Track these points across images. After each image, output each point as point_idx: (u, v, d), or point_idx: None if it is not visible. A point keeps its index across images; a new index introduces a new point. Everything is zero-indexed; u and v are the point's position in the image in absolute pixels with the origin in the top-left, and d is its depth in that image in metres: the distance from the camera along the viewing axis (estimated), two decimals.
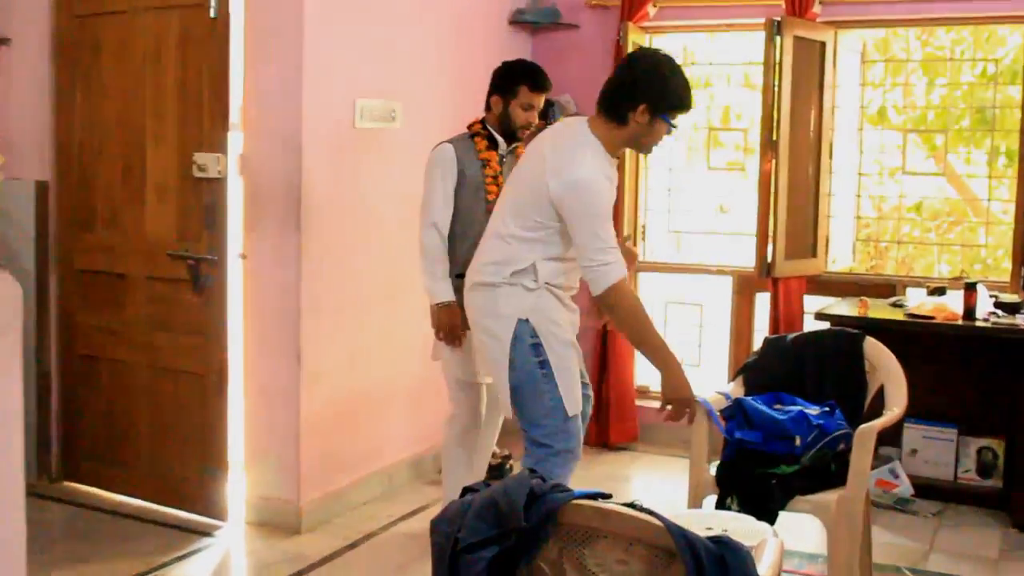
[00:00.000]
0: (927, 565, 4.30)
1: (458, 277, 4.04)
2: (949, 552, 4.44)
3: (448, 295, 4.07)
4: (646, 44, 5.90)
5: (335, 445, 4.68)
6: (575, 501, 2.06)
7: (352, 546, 4.39)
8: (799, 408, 3.67)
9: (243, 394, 4.60)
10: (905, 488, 5.00)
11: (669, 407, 3.50)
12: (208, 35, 4.28)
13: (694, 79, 6.82)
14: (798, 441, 3.57)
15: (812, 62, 5.55)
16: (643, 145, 3.58)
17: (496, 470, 5.05)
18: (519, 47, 5.85)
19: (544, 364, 3.54)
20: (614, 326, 3.66)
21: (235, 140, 4.41)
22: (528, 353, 3.54)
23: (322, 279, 4.51)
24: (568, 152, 3.48)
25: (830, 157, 5.70)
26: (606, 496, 2.10)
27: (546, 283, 3.56)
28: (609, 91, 3.50)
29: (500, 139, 4.18)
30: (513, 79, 4.14)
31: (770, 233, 5.45)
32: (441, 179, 4.10)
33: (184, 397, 4.52)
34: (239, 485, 4.65)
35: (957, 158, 7.40)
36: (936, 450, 5.11)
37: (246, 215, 4.49)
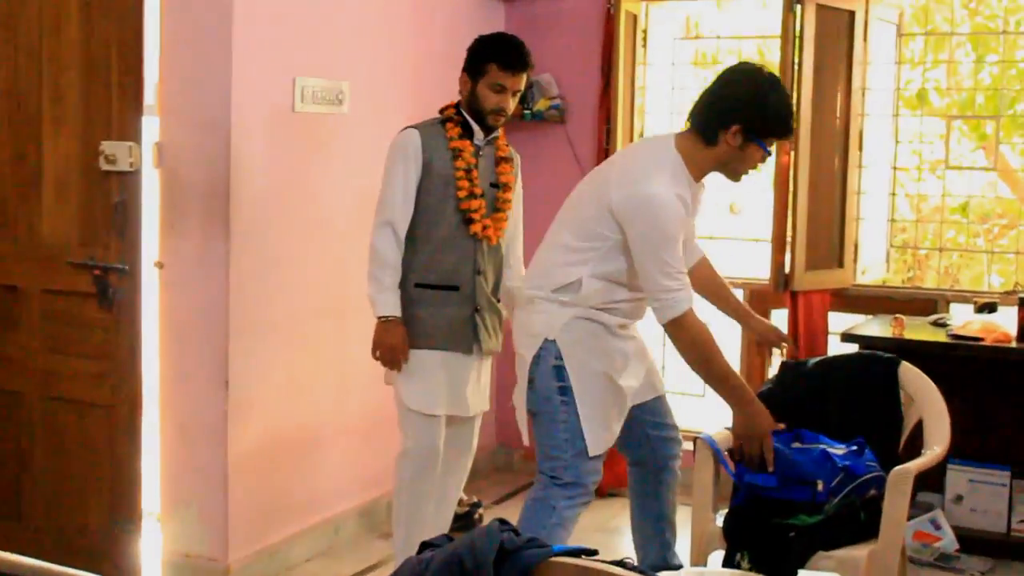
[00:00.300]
0: None
1: (417, 287, 4.14)
2: None
3: (391, 308, 4.11)
4: (642, 14, 5.95)
5: (270, 491, 4.68)
6: (555, 558, 2.07)
7: None
8: (822, 447, 3.70)
9: (159, 430, 4.59)
10: (948, 542, 5.03)
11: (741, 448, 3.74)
12: (117, 1, 4.28)
13: (699, 53, 6.91)
14: (820, 486, 3.60)
15: (839, 35, 5.60)
16: (732, 170, 3.77)
17: (463, 520, 5.06)
18: (490, 18, 5.88)
19: (565, 391, 3.75)
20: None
21: (150, 126, 4.41)
22: (550, 376, 3.77)
23: (255, 292, 4.52)
24: (643, 164, 3.72)
25: (860, 149, 5.74)
26: (591, 552, 2.11)
27: (591, 304, 3.76)
28: (700, 106, 3.71)
29: (476, 126, 4.21)
30: (481, 56, 4.17)
31: (788, 239, 5.49)
32: (402, 171, 4.13)
33: (89, 434, 4.49)
34: (155, 540, 4.63)
35: (1011, 150, 7.49)
36: (986, 497, 5.14)
37: (163, 216, 4.49)
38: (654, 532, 4.19)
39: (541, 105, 5.92)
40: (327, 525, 5.02)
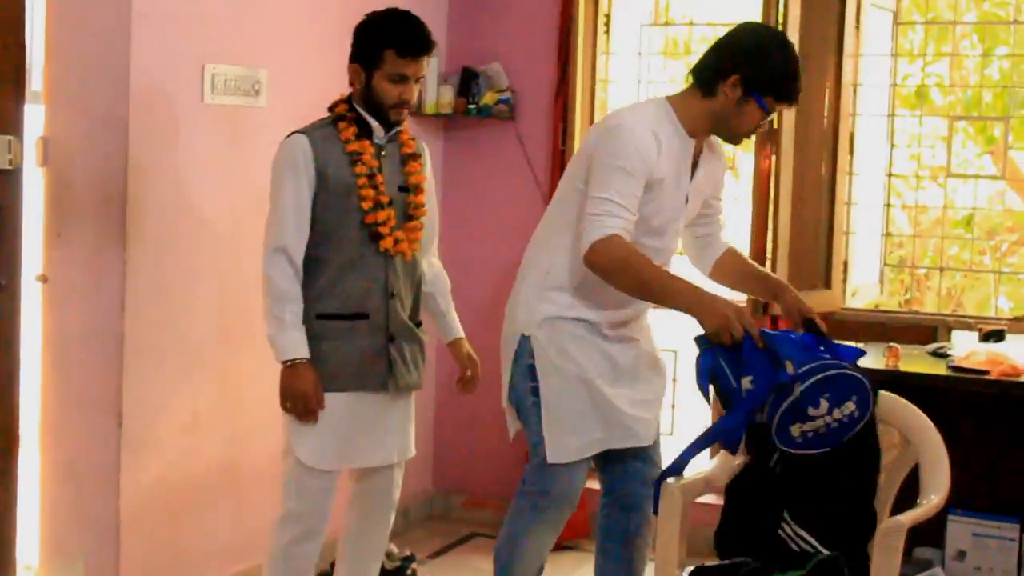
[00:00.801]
0: None
1: (319, 318, 4.03)
2: None
3: (297, 349, 3.98)
4: None
5: (171, 543, 4.66)
6: None
7: None
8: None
9: (39, 472, 4.56)
10: None
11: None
12: None
13: (669, 41, 6.97)
14: (790, 367, 3.65)
15: (827, 23, 5.67)
16: (730, 129, 3.94)
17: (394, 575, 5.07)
18: (428, 2, 5.89)
19: (536, 392, 3.97)
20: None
21: (35, 117, 4.39)
22: (524, 375, 3.99)
23: (155, 311, 4.51)
24: (624, 108, 4.10)
25: (850, 153, 5.81)
26: None
27: (566, 285, 3.93)
28: (703, 57, 3.94)
29: (374, 123, 4.09)
30: (374, 42, 4.04)
31: (768, 255, 5.53)
32: (292, 185, 3.99)
33: None
34: None
35: (1023, 155, 7.59)
36: (992, 552, 5.20)
37: (48, 222, 4.47)
38: (618, 565, 4.25)
39: (488, 99, 5.93)
40: None
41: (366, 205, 4.03)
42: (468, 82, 5.95)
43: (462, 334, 4.44)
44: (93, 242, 4.41)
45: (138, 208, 4.40)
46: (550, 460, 3.93)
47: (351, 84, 4.12)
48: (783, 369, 3.64)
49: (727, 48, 3.89)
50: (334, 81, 5.22)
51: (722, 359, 3.68)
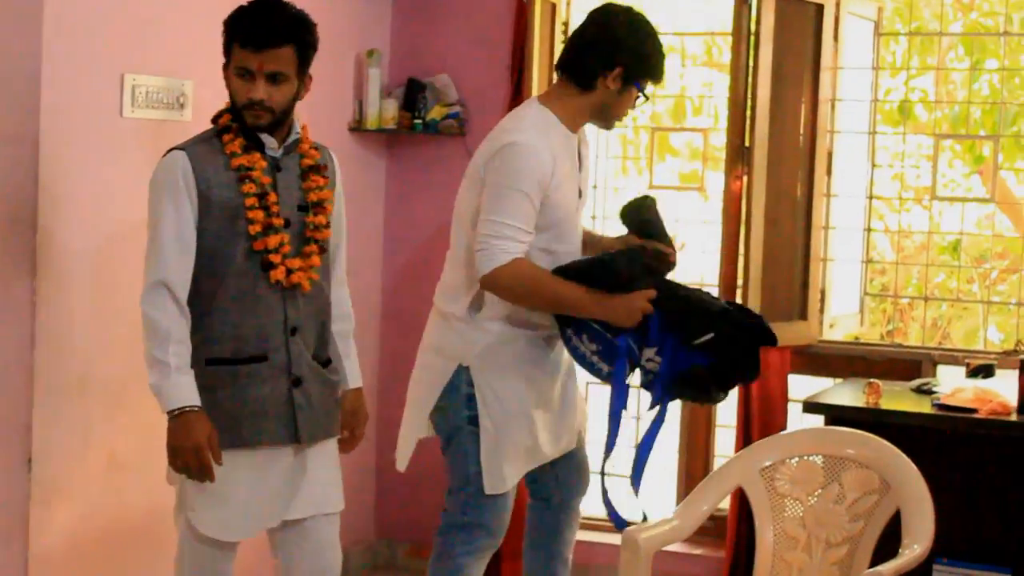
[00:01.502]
0: None
1: (209, 364, 3.79)
2: None
3: (187, 397, 3.71)
4: (563, 4, 6.00)
5: None
6: None
7: None
8: None
9: None
10: None
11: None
12: None
13: None
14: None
15: (803, 34, 5.70)
16: (609, 116, 4.30)
17: None
18: (372, 6, 5.88)
19: (474, 420, 4.18)
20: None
21: None
22: (461, 404, 4.19)
23: (69, 344, 4.47)
24: (501, 125, 4.23)
25: (828, 173, 5.83)
26: None
27: (498, 315, 4.17)
28: (575, 49, 4.24)
29: (264, 133, 3.84)
30: (225, 35, 3.83)
31: (739, 283, 5.54)
32: (172, 210, 3.74)
33: None
34: None
35: (1014, 176, 7.64)
36: None
37: None
38: (547, 571, 4.62)
39: (435, 113, 5.92)
40: None
41: (254, 229, 3.76)
42: (414, 95, 5.92)
43: (359, 384, 4.21)
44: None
45: (49, 233, 4.36)
46: (488, 491, 4.16)
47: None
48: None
49: (605, 41, 4.16)
50: None
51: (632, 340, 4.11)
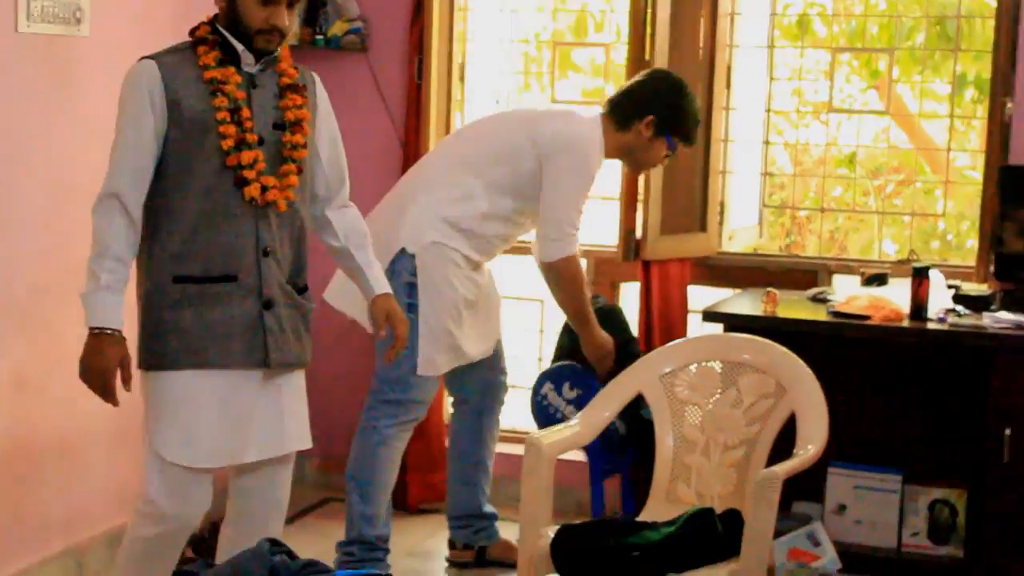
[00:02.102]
0: None
1: (177, 282, 3.69)
2: None
3: (109, 318, 3.62)
4: None
5: None
6: None
7: None
8: None
9: None
10: (829, 560, 5.19)
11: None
12: None
13: None
14: None
15: None
16: (635, 160, 5.04)
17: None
18: None
19: (412, 308, 4.65)
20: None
21: None
22: (400, 292, 4.53)
23: None
24: (577, 112, 5.00)
25: (727, 87, 5.87)
26: None
27: (463, 227, 4.79)
28: (620, 96, 4.93)
29: (241, 48, 3.73)
30: None
31: (640, 196, 5.57)
32: (133, 121, 3.65)
33: None
34: None
35: (910, 90, 7.71)
36: (873, 506, 5.31)
37: None
38: (470, 477, 5.21)
39: (337, 29, 5.86)
40: (70, 554, 4.96)
41: (227, 144, 3.65)
42: (315, 10, 5.85)
43: (388, 290, 4.10)
44: None
45: None
46: (420, 372, 4.74)
47: (217, 4, 3.77)
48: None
49: (646, 91, 4.89)
50: (163, 9, 5.17)
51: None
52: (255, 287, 3.74)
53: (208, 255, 3.69)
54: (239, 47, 3.71)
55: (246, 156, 3.67)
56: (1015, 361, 4.82)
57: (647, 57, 5.52)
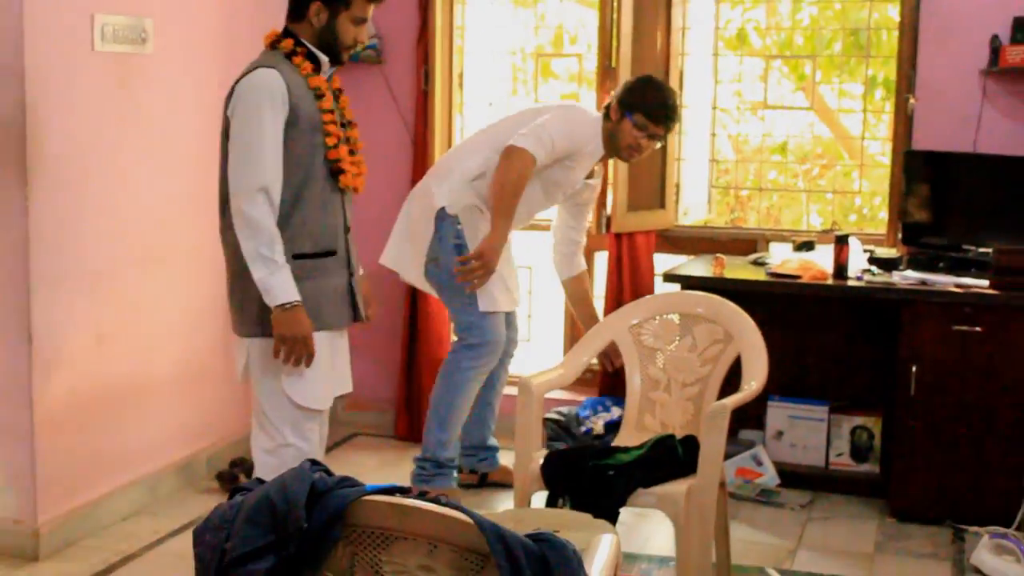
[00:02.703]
0: (795, 564, 4.52)
1: (296, 258, 3.63)
2: (820, 548, 4.68)
3: (292, 292, 3.57)
4: None
5: (81, 449, 4.60)
6: (367, 497, 2.10)
7: (106, 572, 4.34)
8: None
9: None
10: (770, 477, 5.23)
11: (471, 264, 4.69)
12: None
13: None
14: None
15: None
16: (616, 146, 4.86)
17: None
18: None
19: (466, 264, 4.66)
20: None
21: None
22: (451, 252, 4.73)
23: (58, 242, 4.41)
24: (573, 106, 5.06)
25: (681, 88, 5.86)
26: (404, 490, 2.15)
27: (485, 193, 4.78)
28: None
29: (324, 58, 3.70)
30: None
31: (611, 180, 5.58)
32: (271, 121, 3.55)
33: None
34: None
35: (829, 90, 7.72)
36: (804, 432, 5.35)
37: None
38: (480, 416, 5.17)
39: None
40: (143, 482, 4.96)
41: (331, 141, 3.66)
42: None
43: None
44: None
45: (37, 148, 4.29)
46: (483, 309, 4.76)
47: (296, 19, 3.69)
48: None
49: (622, 87, 4.87)
50: (214, 30, 5.16)
51: None
52: (345, 259, 3.77)
53: (316, 234, 3.66)
54: (324, 58, 3.68)
55: (343, 151, 3.70)
56: (919, 311, 4.84)
57: (613, 65, 5.53)
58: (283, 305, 3.54)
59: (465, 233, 4.78)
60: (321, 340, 3.68)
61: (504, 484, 5.23)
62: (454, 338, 5.04)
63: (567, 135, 4.72)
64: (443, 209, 4.78)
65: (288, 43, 3.66)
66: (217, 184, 3.72)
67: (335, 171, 3.70)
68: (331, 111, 3.67)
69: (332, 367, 3.78)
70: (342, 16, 3.65)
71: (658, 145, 4.92)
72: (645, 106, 4.75)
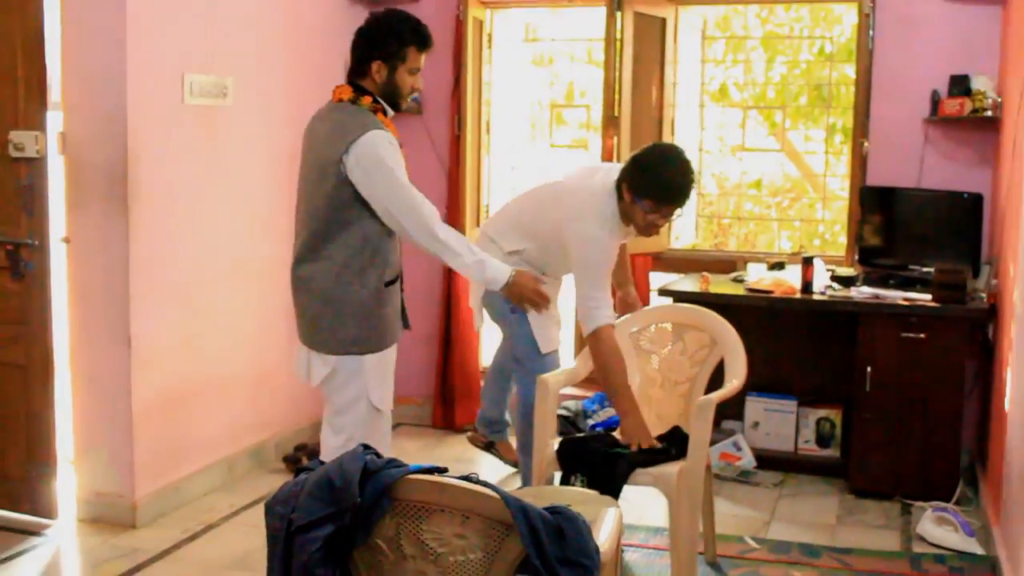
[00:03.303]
0: (769, 533, 4.49)
1: (387, 285, 3.56)
2: (789, 520, 4.65)
3: (507, 268, 3.60)
4: (487, 20, 5.94)
5: (171, 435, 4.61)
6: (411, 475, 2.10)
7: (191, 538, 4.34)
8: None
9: (70, 384, 4.49)
10: (748, 460, 5.21)
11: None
12: (19, 1, 4.14)
13: (537, 56, 6.96)
14: None
15: (653, 38, 5.69)
16: (633, 223, 3.98)
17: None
18: (356, 19, 5.78)
19: (516, 310, 4.10)
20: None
21: (55, 118, 4.29)
22: (501, 301, 4.04)
23: (152, 262, 4.43)
24: (585, 199, 4.00)
25: (672, 133, 5.85)
26: (442, 470, 2.14)
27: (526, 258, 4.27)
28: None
29: (391, 111, 3.58)
30: (400, 40, 3.51)
31: None
32: (401, 170, 3.45)
33: (7, 390, 4.37)
34: (69, 481, 4.53)
35: (797, 135, 7.72)
36: (777, 422, 5.32)
37: (68, 197, 4.37)
38: (499, 395, 5.02)
39: None
40: (222, 463, 4.97)
41: (403, 180, 3.50)
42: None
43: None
44: (102, 211, 4.31)
45: (137, 184, 4.32)
46: (544, 350, 4.25)
47: (360, 76, 3.55)
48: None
49: (629, 162, 3.96)
50: (284, 86, 5.18)
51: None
52: (401, 284, 3.67)
53: (393, 263, 3.57)
54: (391, 112, 3.58)
55: None
56: (873, 321, 4.83)
57: (616, 114, 5.52)
58: (510, 276, 3.59)
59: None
60: (391, 354, 3.61)
61: (504, 459, 5.16)
62: (518, 369, 4.44)
63: (605, 260, 3.97)
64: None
65: (368, 100, 3.50)
66: (304, 220, 3.55)
67: None
68: (404, 157, 3.54)
69: (393, 374, 3.67)
70: (400, 70, 3.52)
71: (677, 215, 4.06)
72: (653, 192, 3.86)
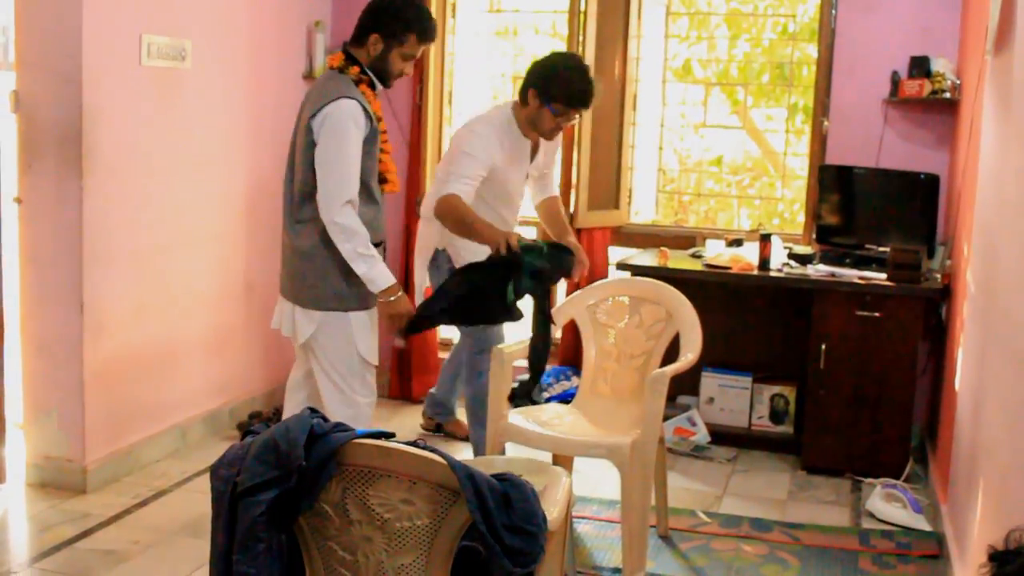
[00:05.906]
0: (721, 508, 4.52)
1: (375, 246, 3.59)
2: (742, 495, 4.67)
3: (391, 276, 3.60)
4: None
5: (123, 400, 4.56)
6: (357, 440, 2.08)
7: (142, 504, 4.30)
8: None
9: (21, 347, 4.42)
10: (702, 435, 5.22)
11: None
12: None
13: (501, 27, 6.91)
14: None
15: (617, 12, 5.67)
16: (537, 128, 4.17)
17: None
18: None
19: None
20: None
21: (7, 77, 4.21)
22: (444, 277, 4.19)
23: (107, 225, 4.36)
24: (476, 121, 4.19)
25: (634, 109, 5.84)
26: (389, 435, 2.12)
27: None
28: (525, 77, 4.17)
29: (379, 86, 3.64)
30: (406, 24, 3.57)
31: (573, 183, 5.56)
32: (355, 144, 3.48)
33: None
34: (18, 445, 4.48)
35: (759, 113, 7.72)
36: (731, 398, 5.34)
37: (21, 157, 4.29)
38: (451, 383, 5.12)
39: None
40: (175, 429, 4.92)
41: (385, 156, 3.66)
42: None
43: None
44: (57, 172, 4.24)
45: (91, 146, 4.25)
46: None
47: (356, 44, 3.61)
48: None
49: (532, 69, 4.13)
50: (246, 52, 5.10)
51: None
52: (385, 249, 3.72)
53: (376, 229, 3.60)
54: (379, 86, 3.64)
55: (390, 162, 3.72)
56: (829, 298, 4.85)
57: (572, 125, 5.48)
58: (391, 287, 3.56)
59: (454, 259, 4.34)
60: (373, 313, 3.68)
61: (455, 436, 5.23)
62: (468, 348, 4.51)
63: (477, 163, 4.03)
64: (436, 248, 4.41)
65: (355, 70, 3.56)
66: (290, 181, 3.61)
67: (383, 178, 3.68)
68: (384, 131, 3.64)
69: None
70: (395, 51, 3.58)
71: (576, 120, 4.25)
72: (562, 95, 4.02)
